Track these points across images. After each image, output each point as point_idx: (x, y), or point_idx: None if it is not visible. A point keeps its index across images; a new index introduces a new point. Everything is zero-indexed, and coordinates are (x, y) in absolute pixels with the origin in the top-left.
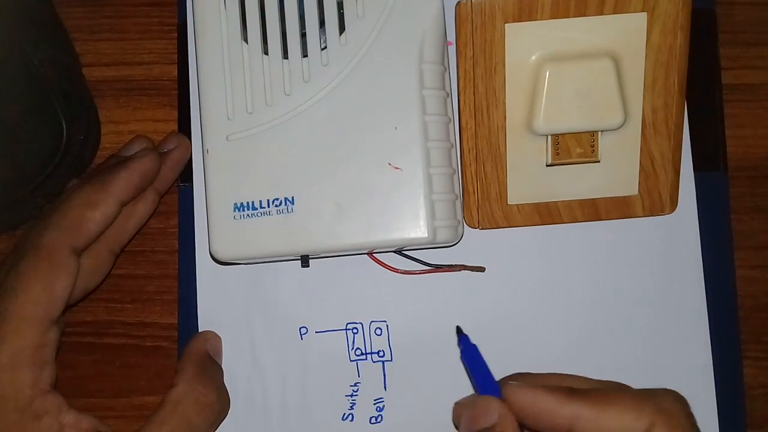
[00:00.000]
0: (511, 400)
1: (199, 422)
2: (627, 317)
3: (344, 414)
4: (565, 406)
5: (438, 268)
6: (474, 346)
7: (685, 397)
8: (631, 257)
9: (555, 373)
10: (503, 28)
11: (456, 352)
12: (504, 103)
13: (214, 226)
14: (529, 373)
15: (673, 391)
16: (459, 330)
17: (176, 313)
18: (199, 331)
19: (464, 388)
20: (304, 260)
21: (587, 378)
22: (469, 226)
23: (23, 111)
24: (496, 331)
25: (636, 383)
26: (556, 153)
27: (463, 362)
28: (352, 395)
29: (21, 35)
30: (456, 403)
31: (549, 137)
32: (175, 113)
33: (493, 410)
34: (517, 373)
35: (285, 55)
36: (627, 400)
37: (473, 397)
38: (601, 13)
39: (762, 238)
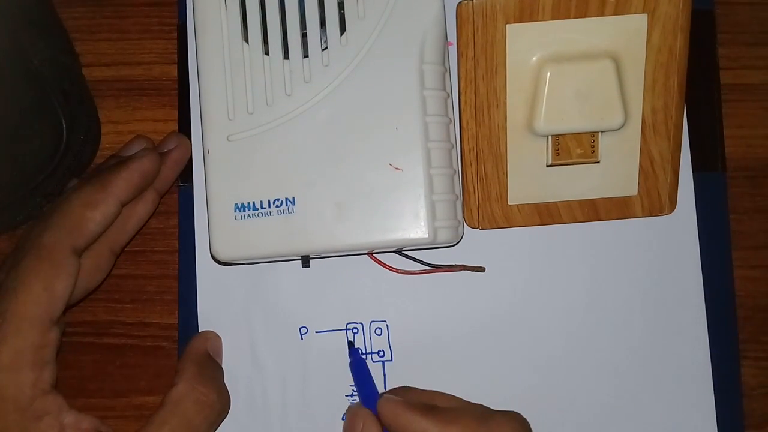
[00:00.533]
0: (379, 411)
1: (200, 422)
2: (626, 317)
3: (344, 414)
4: (418, 422)
5: (438, 268)
6: (362, 360)
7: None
8: (630, 257)
9: (431, 391)
10: (504, 28)
11: (456, 352)
12: (505, 103)
13: (215, 227)
14: (411, 388)
15: (512, 413)
16: (350, 344)
17: (176, 313)
18: (199, 331)
19: (463, 388)
20: (305, 260)
21: (457, 398)
22: (470, 226)
23: (23, 111)
24: (495, 331)
25: (635, 382)
26: (557, 153)
27: (352, 372)
28: (352, 395)
29: (21, 35)
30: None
31: (549, 138)
32: (175, 113)
33: (359, 421)
34: (401, 387)
35: (286, 56)
36: (467, 421)
37: (352, 406)
38: (602, 14)
39: (761, 238)
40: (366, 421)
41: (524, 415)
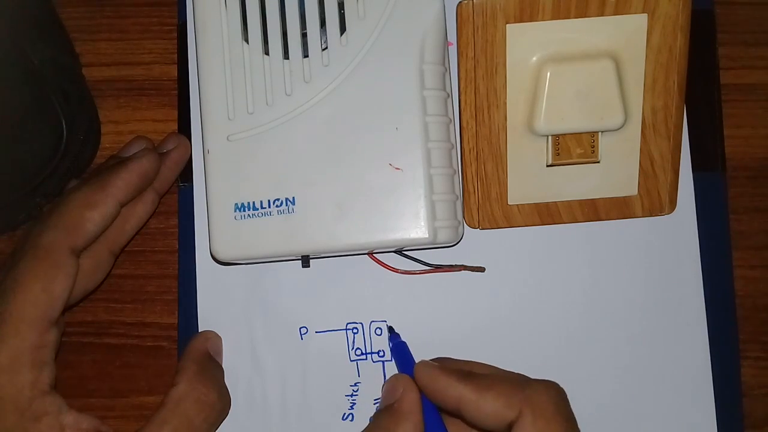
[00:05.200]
0: (416, 375)
1: (200, 422)
2: (626, 317)
3: (344, 414)
4: (453, 388)
5: (438, 268)
6: (403, 343)
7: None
8: (630, 257)
9: (469, 361)
10: (504, 28)
11: (456, 352)
12: (505, 103)
13: (215, 227)
14: (447, 358)
15: (549, 382)
16: (390, 328)
17: (176, 313)
18: (199, 331)
19: None
20: (305, 260)
21: (494, 367)
22: (470, 226)
23: (23, 111)
24: (495, 331)
25: (635, 382)
26: (557, 153)
27: (393, 354)
28: (352, 395)
29: (21, 35)
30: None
31: (549, 137)
32: (175, 113)
33: (399, 386)
34: (438, 357)
35: (286, 56)
36: (503, 388)
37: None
38: (602, 14)
39: (761, 238)
40: (406, 386)
41: None
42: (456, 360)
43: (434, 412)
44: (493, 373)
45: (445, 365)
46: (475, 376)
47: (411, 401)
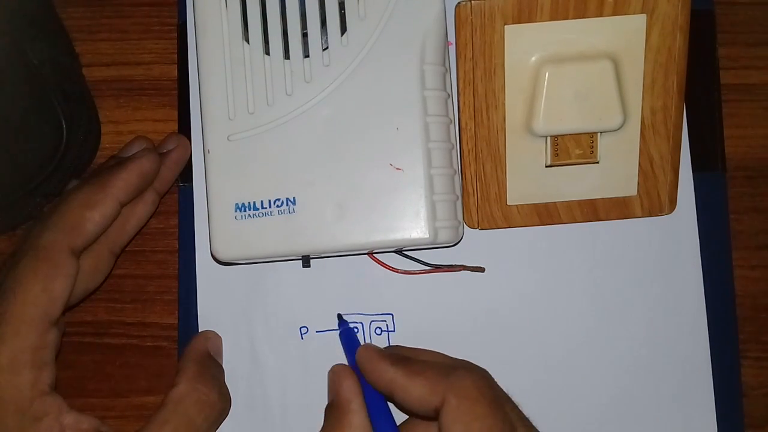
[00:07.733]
0: (357, 360)
1: (201, 421)
2: (626, 317)
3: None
4: (387, 371)
5: (438, 268)
6: (351, 329)
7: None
8: (630, 257)
9: (417, 348)
10: (503, 29)
11: (456, 352)
12: (503, 104)
13: (216, 227)
14: (397, 345)
15: (473, 366)
16: (339, 316)
17: (176, 313)
18: (199, 331)
19: None
20: (305, 260)
21: (440, 354)
22: (469, 226)
23: (23, 111)
24: (495, 331)
25: (635, 382)
26: (556, 154)
27: (342, 341)
28: None
29: (21, 35)
30: None
31: (548, 138)
32: (175, 113)
33: (335, 377)
34: (390, 345)
35: (286, 56)
36: (431, 374)
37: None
38: (600, 15)
39: (761, 238)
40: (341, 374)
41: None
42: (405, 347)
43: (378, 395)
44: (428, 360)
45: (387, 350)
46: (409, 361)
47: (347, 388)
